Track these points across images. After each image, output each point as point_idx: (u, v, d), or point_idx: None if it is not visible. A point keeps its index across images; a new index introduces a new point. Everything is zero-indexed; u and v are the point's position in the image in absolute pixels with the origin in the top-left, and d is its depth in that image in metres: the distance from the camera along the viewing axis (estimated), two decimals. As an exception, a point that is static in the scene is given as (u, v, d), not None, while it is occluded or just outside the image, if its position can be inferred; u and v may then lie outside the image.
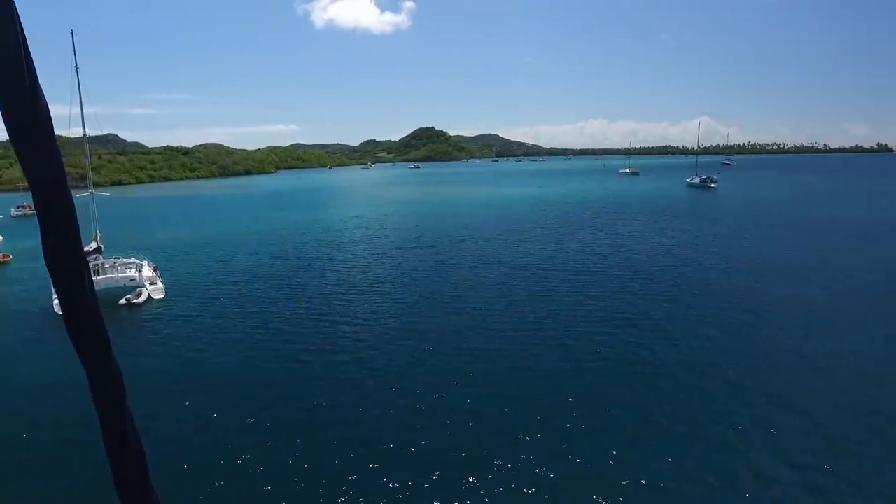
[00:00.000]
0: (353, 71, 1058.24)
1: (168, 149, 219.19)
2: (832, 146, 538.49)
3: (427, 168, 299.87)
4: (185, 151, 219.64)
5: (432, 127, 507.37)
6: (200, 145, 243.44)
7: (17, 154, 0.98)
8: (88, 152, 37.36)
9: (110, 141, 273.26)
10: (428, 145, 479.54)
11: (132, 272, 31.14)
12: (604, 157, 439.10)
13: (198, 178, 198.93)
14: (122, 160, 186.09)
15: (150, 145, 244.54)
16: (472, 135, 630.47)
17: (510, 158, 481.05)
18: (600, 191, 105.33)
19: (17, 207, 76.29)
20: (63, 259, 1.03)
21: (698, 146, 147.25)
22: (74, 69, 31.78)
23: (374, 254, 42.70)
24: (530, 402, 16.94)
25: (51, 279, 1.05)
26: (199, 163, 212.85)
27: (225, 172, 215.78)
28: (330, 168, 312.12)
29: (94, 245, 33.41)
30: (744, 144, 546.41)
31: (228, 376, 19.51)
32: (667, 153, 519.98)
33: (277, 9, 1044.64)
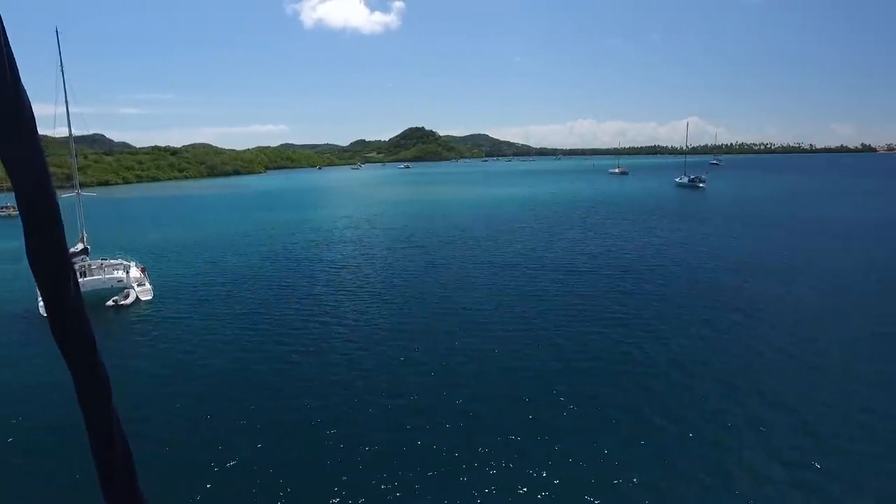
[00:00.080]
0: (342, 71, 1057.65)
1: (156, 149, 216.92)
2: (818, 146, 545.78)
3: (417, 168, 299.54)
4: (173, 151, 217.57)
5: (422, 127, 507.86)
6: (189, 145, 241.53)
7: None
8: (74, 152, 36.93)
9: (97, 141, 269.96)
10: (417, 145, 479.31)
11: (120, 273, 30.83)
12: (593, 156, 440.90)
13: (186, 178, 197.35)
14: (108, 160, 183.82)
15: (138, 145, 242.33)
16: (462, 135, 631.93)
17: (500, 158, 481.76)
18: (590, 191, 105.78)
19: (1, 208, 74.88)
20: (47, 260, 1.02)
21: (687, 146, 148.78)
22: (59, 68, 31.43)
23: (363, 254, 42.58)
24: (521, 402, 16.97)
25: (35, 280, 1.04)
26: (188, 163, 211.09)
27: (214, 173, 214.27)
28: (319, 168, 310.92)
29: (80, 246, 32.96)
30: (731, 144, 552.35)
31: (217, 378, 19.37)
32: (656, 153, 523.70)
33: (266, 8, 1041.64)
